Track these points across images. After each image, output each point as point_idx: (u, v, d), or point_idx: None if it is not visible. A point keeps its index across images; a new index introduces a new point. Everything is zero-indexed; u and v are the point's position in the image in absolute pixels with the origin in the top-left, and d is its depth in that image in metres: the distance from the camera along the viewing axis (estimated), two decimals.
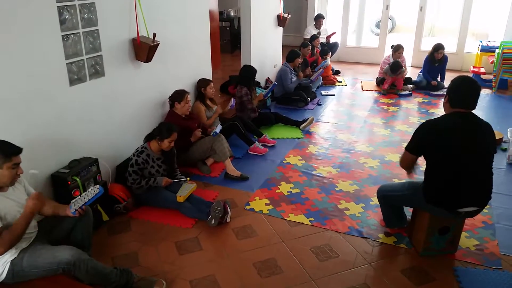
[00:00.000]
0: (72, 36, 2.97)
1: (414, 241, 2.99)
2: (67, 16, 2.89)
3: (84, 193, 2.56)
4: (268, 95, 5.56)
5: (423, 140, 2.63)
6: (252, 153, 4.51)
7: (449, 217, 2.74)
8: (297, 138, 4.98)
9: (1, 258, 2.21)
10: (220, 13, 8.50)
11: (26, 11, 2.61)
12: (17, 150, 2.24)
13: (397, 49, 6.79)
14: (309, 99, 6.14)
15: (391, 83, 6.74)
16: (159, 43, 3.66)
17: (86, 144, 3.24)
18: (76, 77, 3.06)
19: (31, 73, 2.71)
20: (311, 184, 3.89)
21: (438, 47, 6.56)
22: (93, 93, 3.25)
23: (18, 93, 2.64)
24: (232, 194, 3.71)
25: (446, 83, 6.40)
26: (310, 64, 6.99)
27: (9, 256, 2.23)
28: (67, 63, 2.96)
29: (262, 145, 4.62)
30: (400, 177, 3.98)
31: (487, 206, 3.31)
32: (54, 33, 2.83)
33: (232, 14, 9.04)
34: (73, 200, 2.53)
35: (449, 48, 7.51)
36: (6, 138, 2.26)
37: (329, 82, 7.29)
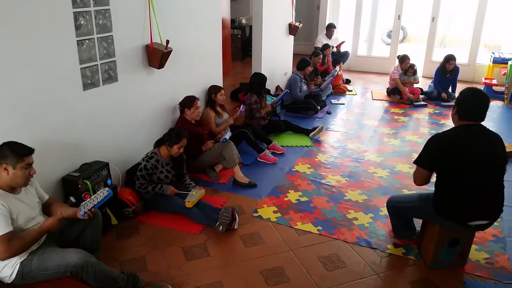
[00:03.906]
0: (87, 41, 3.02)
1: (423, 252, 2.96)
2: (82, 22, 2.95)
3: (94, 196, 2.58)
4: (279, 103, 5.57)
5: (433, 155, 2.60)
6: (261, 160, 4.51)
7: (459, 229, 2.71)
8: (306, 146, 4.97)
9: (11, 259, 2.24)
10: (232, 21, 8.58)
11: (43, 16, 2.66)
12: (29, 151, 2.28)
13: (403, 60, 6.78)
14: (319, 107, 6.15)
15: (410, 92, 6.73)
16: (172, 50, 3.70)
17: (97, 148, 3.28)
18: (89, 81, 3.11)
19: (46, 77, 2.76)
20: (320, 193, 3.88)
21: (450, 58, 6.51)
22: (105, 98, 3.29)
23: (32, 96, 2.69)
24: (240, 201, 3.72)
25: (458, 94, 6.36)
26: (320, 73, 7.00)
27: (19, 257, 2.26)
28: (81, 68, 3.01)
29: (271, 152, 4.63)
30: (410, 187, 3.95)
31: (498, 219, 3.27)
32: (69, 38, 2.88)
33: (244, 22, 9.11)
34: (83, 203, 2.55)
35: (461, 59, 7.47)
36: (19, 141, 2.30)
37: (339, 91, 7.29)
